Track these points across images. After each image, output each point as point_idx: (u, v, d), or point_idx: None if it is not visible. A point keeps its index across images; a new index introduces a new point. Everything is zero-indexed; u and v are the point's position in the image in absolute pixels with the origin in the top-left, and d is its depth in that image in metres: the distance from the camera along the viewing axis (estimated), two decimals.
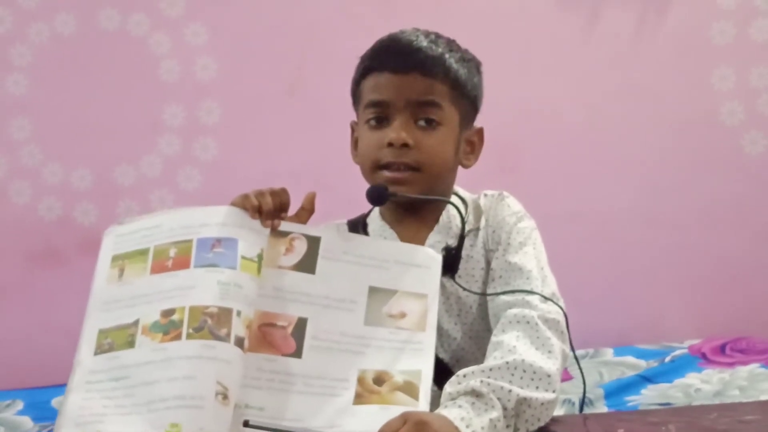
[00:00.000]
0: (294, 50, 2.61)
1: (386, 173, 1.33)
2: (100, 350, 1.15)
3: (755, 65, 2.58)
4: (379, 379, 1.15)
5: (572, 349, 1.25)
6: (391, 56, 1.34)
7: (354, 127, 1.43)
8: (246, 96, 2.62)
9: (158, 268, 1.20)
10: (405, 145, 1.31)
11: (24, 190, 2.61)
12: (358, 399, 1.14)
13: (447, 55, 1.35)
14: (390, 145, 1.31)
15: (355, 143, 1.43)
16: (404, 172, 1.32)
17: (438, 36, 1.38)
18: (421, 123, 1.33)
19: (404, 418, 1.03)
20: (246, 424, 1.07)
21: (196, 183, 2.61)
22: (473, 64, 1.40)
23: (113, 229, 1.27)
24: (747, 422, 1.16)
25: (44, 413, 2.19)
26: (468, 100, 1.38)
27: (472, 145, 1.41)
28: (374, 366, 1.16)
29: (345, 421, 1.10)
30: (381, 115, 1.34)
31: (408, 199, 1.33)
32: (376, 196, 1.32)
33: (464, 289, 1.32)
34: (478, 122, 1.43)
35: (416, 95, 1.32)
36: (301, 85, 2.60)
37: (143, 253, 1.22)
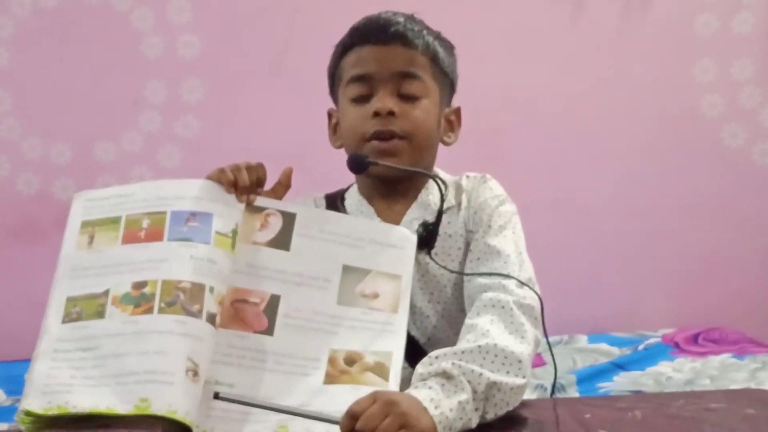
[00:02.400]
0: (279, 29, 2.60)
1: (375, 143, 1.33)
2: (68, 318, 1.13)
3: (737, 58, 2.59)
4: (350, 360, 1.15)
5: (545, 336, 1.25)
6: (372, 30, 1.36)
7: (332, 113, 1.43)
8: (229, 74, 2.61)
9: (130, 238, 1.18)
10: (391, 114, 1.32)
11: (2, 164, 2.59)
12: (329, 378, 1.14)
13: (425, 32, 1.37)
14: (376, 114, 1.32)
15: (333, 129, 1.43)
16: (392, 142, 1.32)
17: (413, 16, 1.40)
18: (404, 95, 1.34)
19: (374, 397, 1.03)
20: (216, 396, 1.07)
21: (177, 160, 2.61)
22: (448, 45, 1.42)
23: (83, 194, 1.26)
24: (712, 410, 1.18)
25: (18, 387, 2.15)
26: (447, 77, 1.40)
27: (450, 123, 1.42)
28: (345, 346, 1.17)
29: (315, 399, 1.11)
30: (364, 90, 1.35)
31: (388, 169, 1.32)
32: (357, 165, 1.32)
33: (439, 265, 1.32)
34: (462, 107, 1.44)
35: (399, 66, 1.34)
36: (285, 65, 2.59)
37: (115, 221, 1.20)
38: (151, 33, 2.61)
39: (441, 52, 1.38)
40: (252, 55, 2.61)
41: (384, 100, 1.32)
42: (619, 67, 2.61)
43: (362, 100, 1.35)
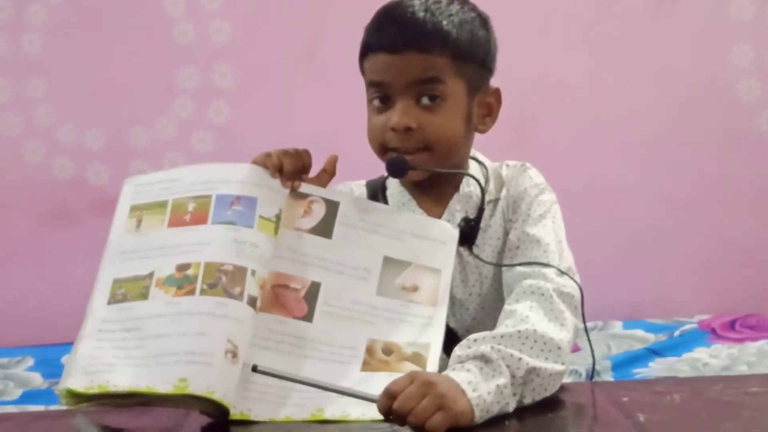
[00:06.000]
0: (311, 15, 2.60)
1: (396, 155, 1.29)
2: (113, 300, 1.15)
3: None
4: (388, 350, 1.16)
5: (584, 324, 1.24)
6: (385, 34, 1.29)
7: None
8: (261, 60, 2.61)
9: (176, 221, 1.20)
10: (408, 129, 1.28)
11: (38, 150, 2.61)
12: (366, 367, 1.14)
13: (445, 23, 1.27)
14: (394, 130, 1.28)
15: None
16: (413, 154, 1.29)
17: (433, 3, 1.29)
18: (424, 101, 1.28)
19: (412, 377, 1.03)
20: (254, 369, 1.07)
21: (209, 146, 2.61)
22: (477, 22, 1.32)
23: (133, 179, 1.27)
24: (752, 394, 1.16)
25: (54, 370, 2.22)
26: (475, 64, 1.31)
27: (488, 107, 1.36)
28: (383, 337, 1.17)
29: (351, 386, 1.11)
30: (383, 95, 1.30)
31: (427, 171, 1.31)
32: (396, 168, 1.30)
33: (482, 261, 1.31)
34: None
35: (415, 75, 1.26)
36: (316, 50, 2.59)
37: (162, 205, 1.21)
38: (183, 19, 2.61)
39: (466, 40, 1.28)
40: (283, 40, 2.61)
41: (401, 115, 1.27)
42: (654, 52, 2.58)
43: (382, 104, 1.31)
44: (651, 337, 2.32)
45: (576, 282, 1.24)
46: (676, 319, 2.43)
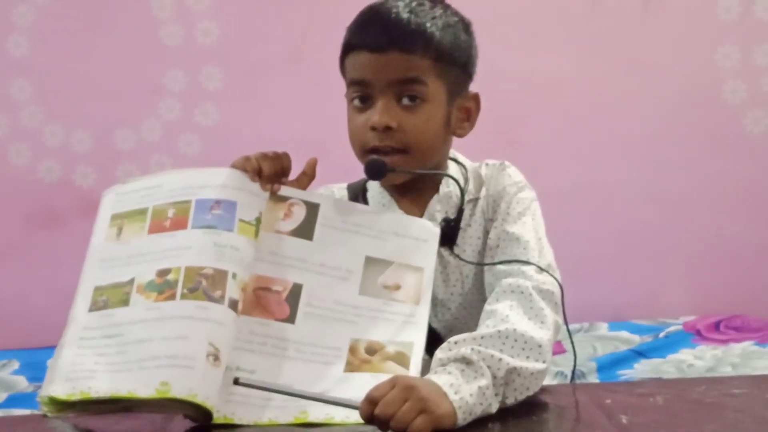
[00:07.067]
0: (298, 17, 2.60)
1: (374, 158, 1.30)
2: (94, 307, 1.15)
3: (759, 43, 2.57)
4: (371, 350, 1.16)
5: (565, 322, 1.24)
6: (369, 33, 1.29)
7: None
8: (248, 62, 2.61)
9: (156, 227, 1.20)
10: (388, 128, 1.28)
11: (24, 152, 2.61)
12: (350, 367, 1.14)
13: (428, 24, 1.28)
14: (374, 128, 1.28)
15: None
16: (391, 156, 1.29)
17: (420, 2, 1.31)
18: (405, 101, 1.28)
19: (393, 382, 1.03)
20: (236, 381, 1.08)
21: (196, 148, 2.61)
22: (460, 26, 1.33)
23: (114, 188, 1.27)
24: (735, 395, 1.17)
25: (40, 373, 2.19)
26: (456, 67, 1.32)
27: (467, 111, 1.36)
28: (366, 336, 1.17)
29: (335, 387, 1.11)
30: (363, 94, 1.30)
31: (406, 173, 1.31)
32: (375, 171, 1.29)
33: (463, 260, 1.32)
34: (482, 93, 1.37)
35: (396, 74, 1.27)
36: (304, 52, 2.59)
37: (142, 212, 1.21)
38: (170, 20, 2.61)
39: (448, 43, 1.29)
40: (271, 42, 2.61)
41: (381, 114, 1.27)
42: (640, 52, 2.58)
43: (362, 104, 1.31)
44: (636, 339, 2.33)
45: (556, 278, 1.25)
46: (662, 321, 2.44)
